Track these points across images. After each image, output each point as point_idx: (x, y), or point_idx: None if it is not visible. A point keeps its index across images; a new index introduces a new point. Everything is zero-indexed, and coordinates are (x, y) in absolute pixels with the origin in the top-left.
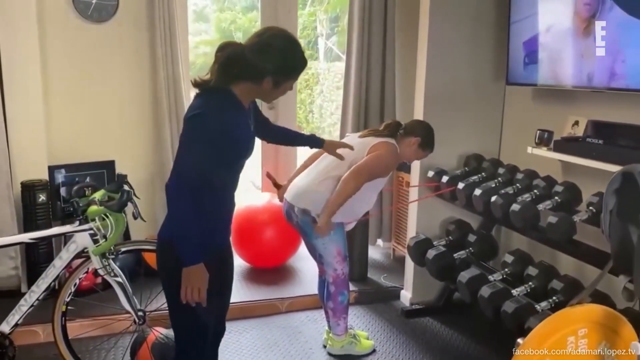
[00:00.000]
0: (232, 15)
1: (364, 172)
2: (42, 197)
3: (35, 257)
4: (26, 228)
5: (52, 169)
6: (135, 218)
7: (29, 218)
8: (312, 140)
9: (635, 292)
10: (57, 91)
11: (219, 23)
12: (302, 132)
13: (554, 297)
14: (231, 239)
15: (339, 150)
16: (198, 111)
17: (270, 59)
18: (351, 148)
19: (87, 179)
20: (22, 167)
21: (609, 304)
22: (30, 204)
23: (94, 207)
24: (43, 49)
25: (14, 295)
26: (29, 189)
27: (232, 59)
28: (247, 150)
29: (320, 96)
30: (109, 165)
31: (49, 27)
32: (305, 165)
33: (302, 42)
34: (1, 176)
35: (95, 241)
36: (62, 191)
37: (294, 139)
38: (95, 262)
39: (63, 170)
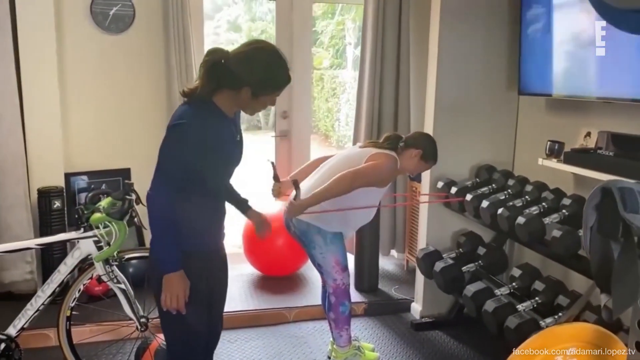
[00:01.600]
0: (263, 25)
1: (358, 176)
2: (57, 204)
3: (51, 262)
4: (42, 233)
5: (68, 176)
6: (136, 226)
7: (45, 224)
8: (240, 203)
9: (614, 311)
10: (74, 100)
11: (250, 33)
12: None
13: (560, 313)
14: (242, 246)
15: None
16: (179, 121)
17: (251, 70)
18: (269, 226)
19: (103, 186)
20: (39, 174)
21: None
22: (45, 210)
23: (97, 215)
24: (61, 59)
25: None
26: (44, 195)
27: (215, 65)
28: (232, 158)
29: (347, 104)
30: (125, 172)
31: (67, 38)
32: (305, 171)
33: (331, 51)
34: (18, 183)
35: (100, 248)
36: (80, 198)
37: (230, 192)
38: (99, 269)
39: (80, 178)
